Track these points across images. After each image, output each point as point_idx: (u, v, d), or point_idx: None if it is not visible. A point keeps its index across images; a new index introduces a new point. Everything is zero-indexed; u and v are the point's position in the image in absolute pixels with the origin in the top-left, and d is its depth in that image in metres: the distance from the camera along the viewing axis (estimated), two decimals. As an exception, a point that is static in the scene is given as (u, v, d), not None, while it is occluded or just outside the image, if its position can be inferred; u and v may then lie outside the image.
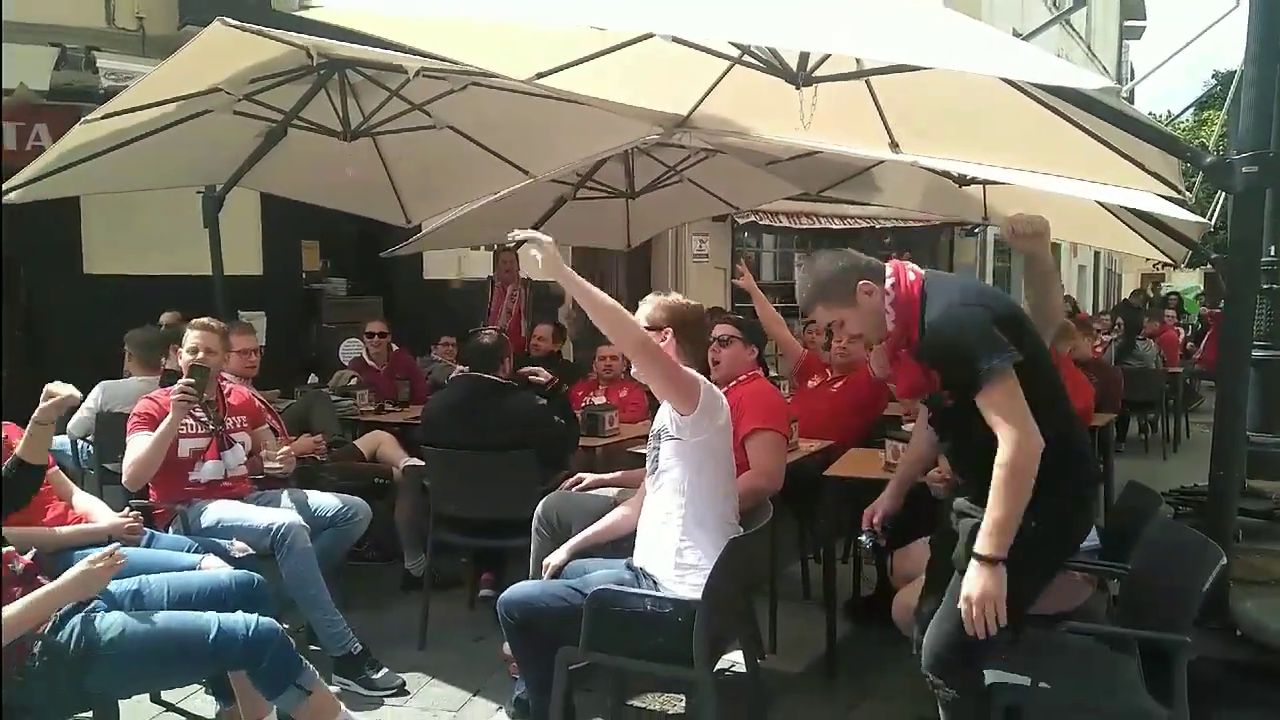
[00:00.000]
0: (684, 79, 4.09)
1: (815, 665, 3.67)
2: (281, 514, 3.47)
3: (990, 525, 2.12)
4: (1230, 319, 3.13)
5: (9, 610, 2.29)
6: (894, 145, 4.46)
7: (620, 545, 2.93)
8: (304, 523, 3.45)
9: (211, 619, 2.49)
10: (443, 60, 3.72)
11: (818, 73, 3.45)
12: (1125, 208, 4.85)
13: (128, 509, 3.13)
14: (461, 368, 7.03)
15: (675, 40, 3.49)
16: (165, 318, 5.15)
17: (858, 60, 3.64)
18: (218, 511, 3.49)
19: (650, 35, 3.55)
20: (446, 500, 3.92)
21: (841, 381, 4.85)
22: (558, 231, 7.13)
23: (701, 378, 2.67)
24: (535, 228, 6.82)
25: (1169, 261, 6.44)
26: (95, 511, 3.08)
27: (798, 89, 3.45)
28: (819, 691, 3.51)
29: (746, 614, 3.15)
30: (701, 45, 3.52)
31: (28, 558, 2.49)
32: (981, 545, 2.13)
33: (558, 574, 2.89)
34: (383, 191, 5.86)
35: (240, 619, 2.52)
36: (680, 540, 2.63)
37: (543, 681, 2.67)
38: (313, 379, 6.43)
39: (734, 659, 3.14)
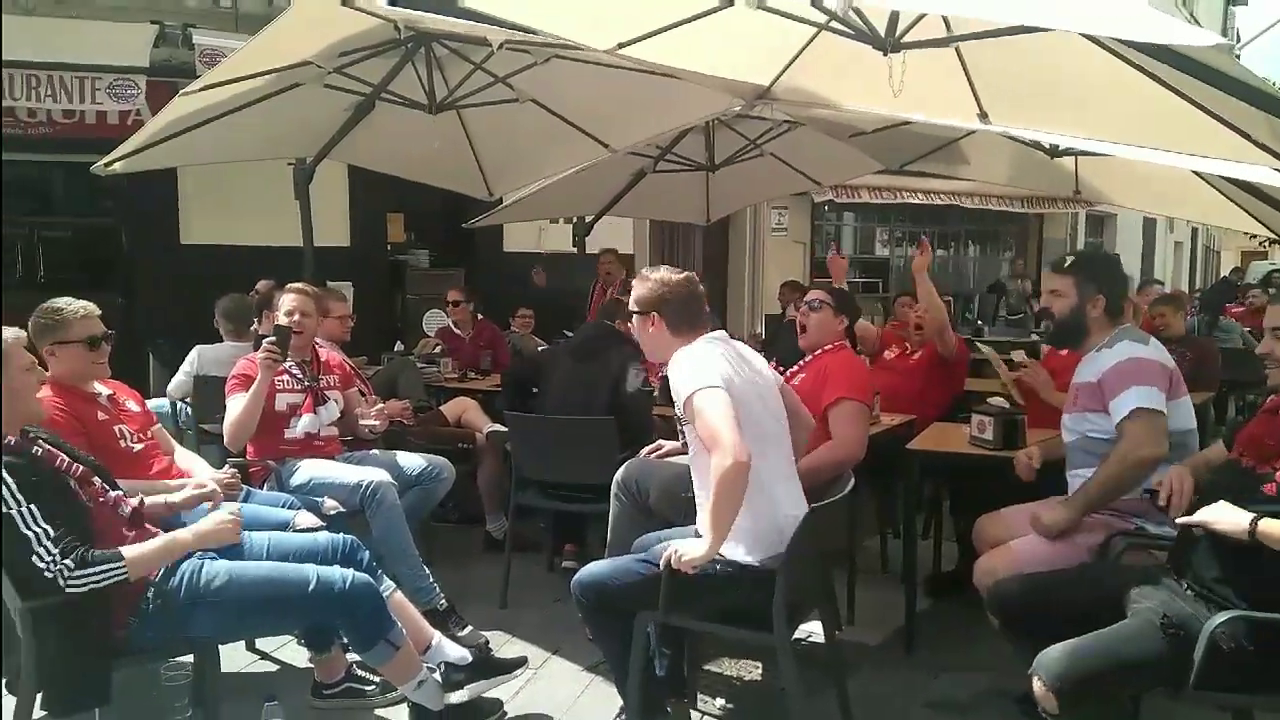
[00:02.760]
0: (767, 49, 4.05)
1: (893, 638, 3.65)
2: (371, 472, 3.58)
3: None
4: None
5: (136, 551, 2.43)
6: (983, 115, 4.35)
7: None
8: (392, 480, 3.56)
9: (310, 571, 2.60)
10: (526, 30, 3.74)
11: (907, 38, 3.37)
12: (1227, 179, 4.65)
13: (226, 466, 3.27)
14: (539, 341, 7.18)
15: (760, 8, 3.47)
16: (260, 285, 5.34)
17: (947, 25, 3.55)
18: (309, 470, 3.62)
19: (732, 3, 3.52)
20: (529, 463, 4.00)
21: (920, 352, 4.77)
22: (636, 205, 7.31)
23: (703, 379, 2.51)
24: (614, 201, 7.00)
25: (1275, 236, 6.15)
26: (196, 468, 3.22)
27: (885, 54, 3.38)
28: (897, 664, 3.49)
29: (825, 584, 3.13)
30: (786, 12, 3.47)
31: (135, 501, 2.62)
32: None
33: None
34: (466, 164, 5.95)
35: (337, 573, 2.63)
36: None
37: (621, 658, 2.70)
38: (399, 347, 6.61)
39: (811, 629, 3.14)
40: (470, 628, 3.55)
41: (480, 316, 6.44)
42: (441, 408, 5.18)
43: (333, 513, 3.29)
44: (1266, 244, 20.17)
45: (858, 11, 3.29)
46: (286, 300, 3.83)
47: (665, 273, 2.76)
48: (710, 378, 2.47)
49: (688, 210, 7.69)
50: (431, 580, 3.57)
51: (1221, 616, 2.08)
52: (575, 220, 7.57)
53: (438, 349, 6.00)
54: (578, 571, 2.77)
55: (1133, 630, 2.17)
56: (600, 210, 7.07)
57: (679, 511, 3.00)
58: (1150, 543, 2.67)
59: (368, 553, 2.90)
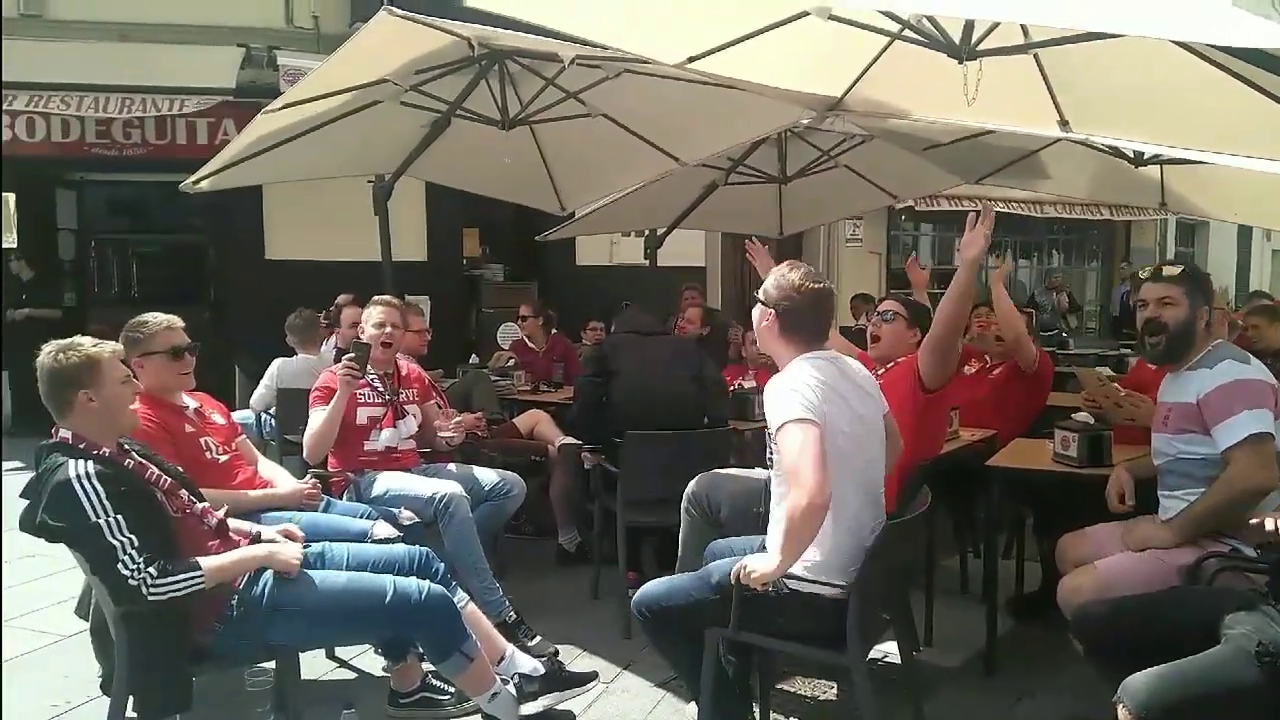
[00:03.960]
0: (838, 60, 4.01)
1: (973, 660, 3.55)
2: (445, 484, 3.64)
3: None
4: None
5: (213, 562, 2.52)
6: (1064, 123, 4.24)
7: None
8: (465, 493, 3.61)
9: (387, 581, 2.66)
10: (597, 45, 3.77)
11: (982, 46, 3.30)
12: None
13: (308, 476, 3.36)
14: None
15: (831, 18, 3.44)
16: (340, 299, 5.49)
17: (1024, 32, 3.47)
18: (386, 481, 3.69)
19: (805, 14, 3.50)
20: (639, 481, 3.91)
21: (1001, 367, 4.64)
22: (708, 218, 7.29)
23: (795, 410, 2.44)
24: (686, 213, 6.98)
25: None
26: (278, 478, 3.32)
27: (961, 63, 3.31)
28: (977, 687, 3.39)
29: (902, 604, 3.06)
30: (858, 22, 3.43)
31: (220, 513, 2.71)
32: None
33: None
34: (539, 179, 6.01)
35: (414, 584, 2.68)
36: None
37: (692, 669, 2.69)
38: (473, 360, 6.72)
39: (887, 649, 3.07)
40: (540, 637, 3.57)
41: (554, 330, 6.50)
42: (514, 420, 5.25)
43: (409, 523, 3.35)
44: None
45: (931, 20, 3.24)
46: (376, 312, 3.91)
47: (801, 278, 2.64)
48: (802, 409, 2.40)
49: (761, 223, 7.63)
50: (501, 593, 3.60)
51: None
52: (647, 233, 7.55)
53: (511, 362, 6.07)
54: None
55: (1225, 658, 2.07)
56: (672, 223, 7.06)
57: (751, 527, 2.98)
58: (1247, 566, 2.54)
59: (442, 565, 2.94)
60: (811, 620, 2.50)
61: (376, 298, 4.03)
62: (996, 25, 3.28)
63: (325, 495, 3.40)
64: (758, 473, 3.43)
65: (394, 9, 3.55)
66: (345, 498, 3.66)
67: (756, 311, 2.72)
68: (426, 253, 8.80)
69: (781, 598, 2.49)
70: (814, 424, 2.38)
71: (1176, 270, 2.90)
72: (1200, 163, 5.16)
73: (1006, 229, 14.47)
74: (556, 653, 3.55)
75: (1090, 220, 14.86)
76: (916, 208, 12.37)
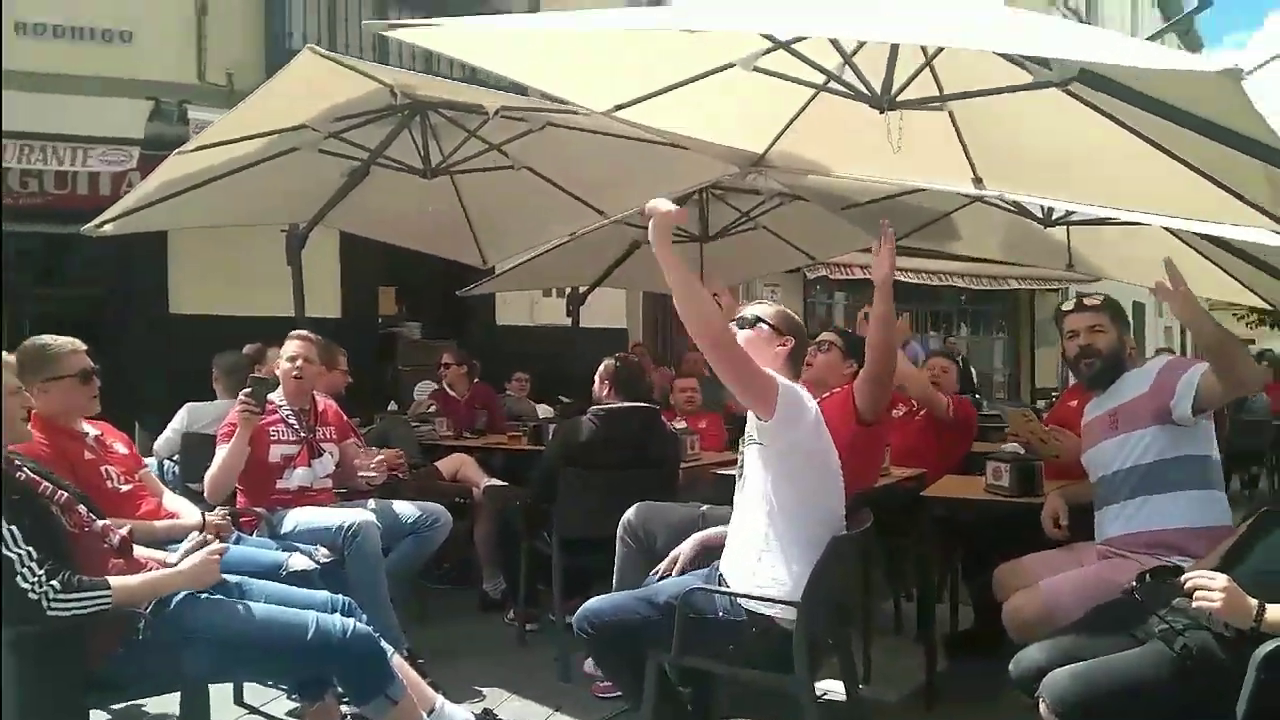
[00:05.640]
0: (763, 113, 4.08)
1: (913, 697, 3.53)
2: (355, 513, 3.52)
3: None
4: None
5: (123, 582, 2.34)
6: (978, 180, 4.37)
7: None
8: (377, 522, 3.49)
9: (310, 617, 2.51)
10: (524, 93, 3.77)
11: (902, 96, 3.38)
12: (1224, 247, 4.66)
13: (218, 509, 3.19)
14: (540, 405, 7.09)
15: (756, 70, 3.49)
16: (248, 348, 5.26)
17: (938, 85, 3.55)
18: (296, 516, 3.56)
19: (731, 65, 3.54)
20: (576, 520, 3.82)
21: (924, 411, 4.70)
22: (630, 277, 7.28)
23: (782, 380, 2.52)
24: (609, 271, 6.98)
25: (1270, 306, 6.15)
26: (184, 511, 3.14)
27: (883, 112, 3.39)
28: (917, 721, 3.34)
29: (844, 634, 3.00)
30: (783, 74, 3.49)
31: (124, 531, 2.53)
32: None
33: (685, 569, 2.83)
34: (460, 232, 5.95)
35: (338, 621, 2.54)
36: (762, 550, 2.52)
37: (635, 691, 2.62)
38: (392, 406, 6.53)
39: (829, 686, 3.03)
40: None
41: (476, 379, 6.40)
42: (437, 463, 5.11)
43: (326, 560, 3.18)
44: (1256, 323, 20.27)
45: (854, 67, 3.30)
46: (290, 346, 3.82)
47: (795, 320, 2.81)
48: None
49: (681, 283, 7.67)
50: (399, 632, 3.45)
51: (1269, 646, 1.96)
52: (569, 291, 7.53)
53: (431, 408, 5.92)
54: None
55: (1147, 657, 2.09)
56: (595, 281, 7.06)
57: (714, 549, 2.88)
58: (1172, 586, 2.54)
59: (365, 616, 2.78)
60: (759, 645, 2.44)
61: (293, 332, 3.91)
62: (915, 76, 3.36)
63: (236, 531, 3.24)
64: (695, 505, 3.39)
65: (317, 48, 3.49)
66: (256, 535, 3.48)
67: (760, 333, 2.68)
68: (341, 309, 8.59)
69: (730, 622, 2.43)
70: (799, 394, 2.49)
71: (1099, 300, 3.02)
72: (1104, 222, 5.40)
73: (916, 299, 14.87)
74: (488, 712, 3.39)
75: (996, 291, 15.42)
76: (830, 276, 12.65)
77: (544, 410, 5.94)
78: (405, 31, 2.97)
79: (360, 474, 3.86)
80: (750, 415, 2.56)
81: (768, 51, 3.36)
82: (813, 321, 13.67)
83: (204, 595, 2.50)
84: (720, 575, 2.62)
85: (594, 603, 2.67)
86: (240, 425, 3.49)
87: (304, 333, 3.93)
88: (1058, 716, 2.01)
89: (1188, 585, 2.04)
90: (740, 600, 2.47)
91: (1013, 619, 2.69)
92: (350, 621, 2.56)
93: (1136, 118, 3.41)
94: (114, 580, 2.32)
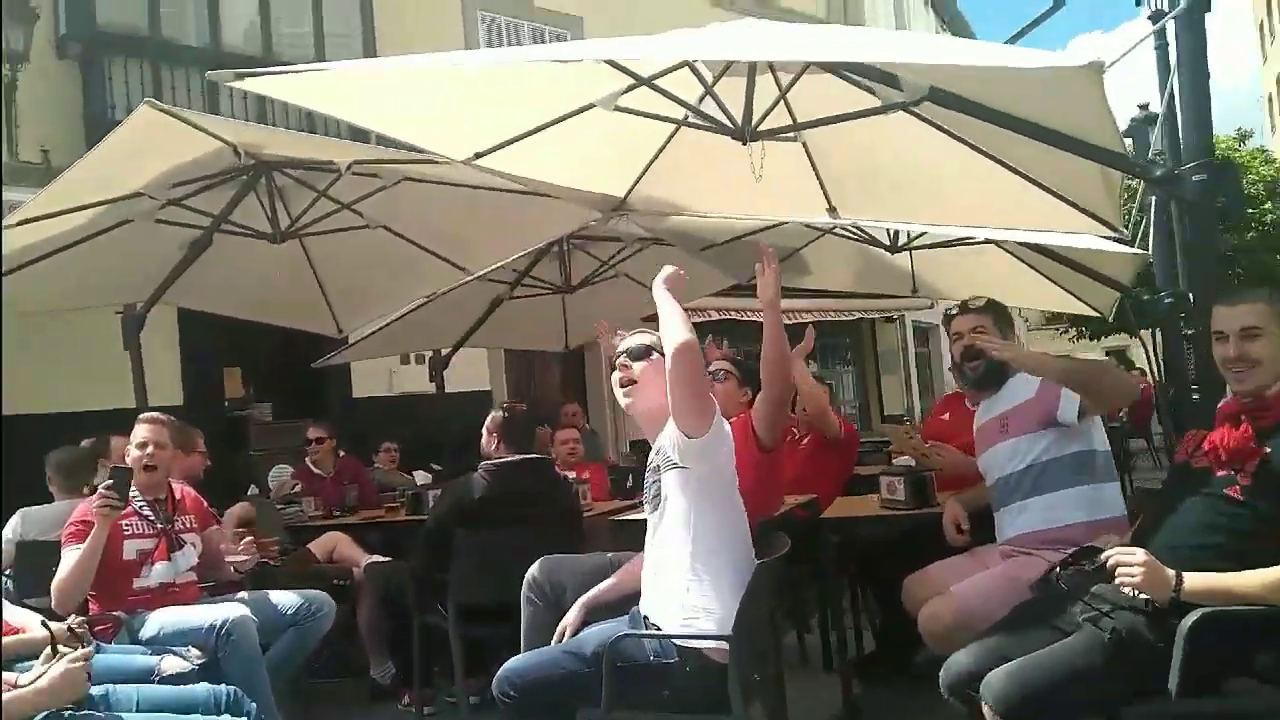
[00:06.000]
0: (627, 153, 4.09)
1: None
2: (226, 608, 3.19)
3: None
4: (1202, 357, 2.96)
5: None
6: (832, 210, 4.52)
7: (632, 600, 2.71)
8: (252, 615, 3.17)
9: None
10: (379, 143, 3.65)
11: (762, 127, 3.46)
12: (1055, 257, 4.96)
13: (71, 619, 2.82)
14: (418, 473, 6.80)
15: (618, 109, 3.50)
16: (86, 442, 4.81)
17: (791, 115, 3.65)
18: (159, 619, 3.20)
19: (591, 106, 3.55)
20: (474, 586, 3.60)
21: (809, 436, 4.76)
22: (492, 334, 7.14)
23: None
24: (473, 330, 6.81)
25: (1096, 312, 6.61)
26: (28, 624, 2.77)
27: (745, 144, 3.45)
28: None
29: (765, 675, 2.91)
30: (644, 112, 3.52)
31: None
32: None
33: (575, 634, 2.66)
34: (312, 300, 5.69)
35: None
36: (689, 579, 2.43)
37: None
38: (253, 490, 6.11)
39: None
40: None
41: (341, 453, 6.08)
42: (310, 545, 4.75)
43: (199, 663, 2.86)
44: (1075, 337, 21.83)
45: (715, 96, 3.35)
46: (139, 431, 3.50)
47: None
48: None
49: (545, 337, 7.61)
50: None
51: (1192, 617, 2.02)
52: (430, 355, 7.31)
53: (296, 488, 5.56)
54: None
55: (1079, 645, 2.13)
56: (458, 341, 6.88)
57: (601, 611, 2.75)
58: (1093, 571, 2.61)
59: (254, 705, 2.51)
60: (693, 685, 2.33)
61: (142, 415, 3.59)
62: (774, 107, 3.44)
63: (93, 640, 2.86)
64: (602, 555, 3.26)
65: (156, 102, 3.26)
66: (115, 643, 3.10)
67: (653, 362, 2.63)
68: (183, 395, 8.06)
69: (661, 666, 2.32)
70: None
71: (982, 302, 3.12)
72: (946, 245, 5.68)
73: (760, 332, 15.23)
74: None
75: (840, 324, 16.01)
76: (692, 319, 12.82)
77: (422, 477, 5.67)
78: (254, 82, 2.81)
79: (229, 559, 3.55)
80: (669, 439, 2.48)
81: (629, 89, 3.38)
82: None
83: (68, 713, 2.20)
84: (645, 618, 2.51)
85: (514, 663, 2.51)
86: (99, 522, 3.15)
87: (155, 414, 3.63)
88: (1002, 716, 2.01)
89: (1109, 563, 2.09)
90: (670, 640, 2.37)
91: (931, 627, 2.70)
92: None
93: (980, 134, 3.61)
94: None
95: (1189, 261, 3.06)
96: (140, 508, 3.38)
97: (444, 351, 7.12)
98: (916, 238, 5.65)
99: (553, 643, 2.69)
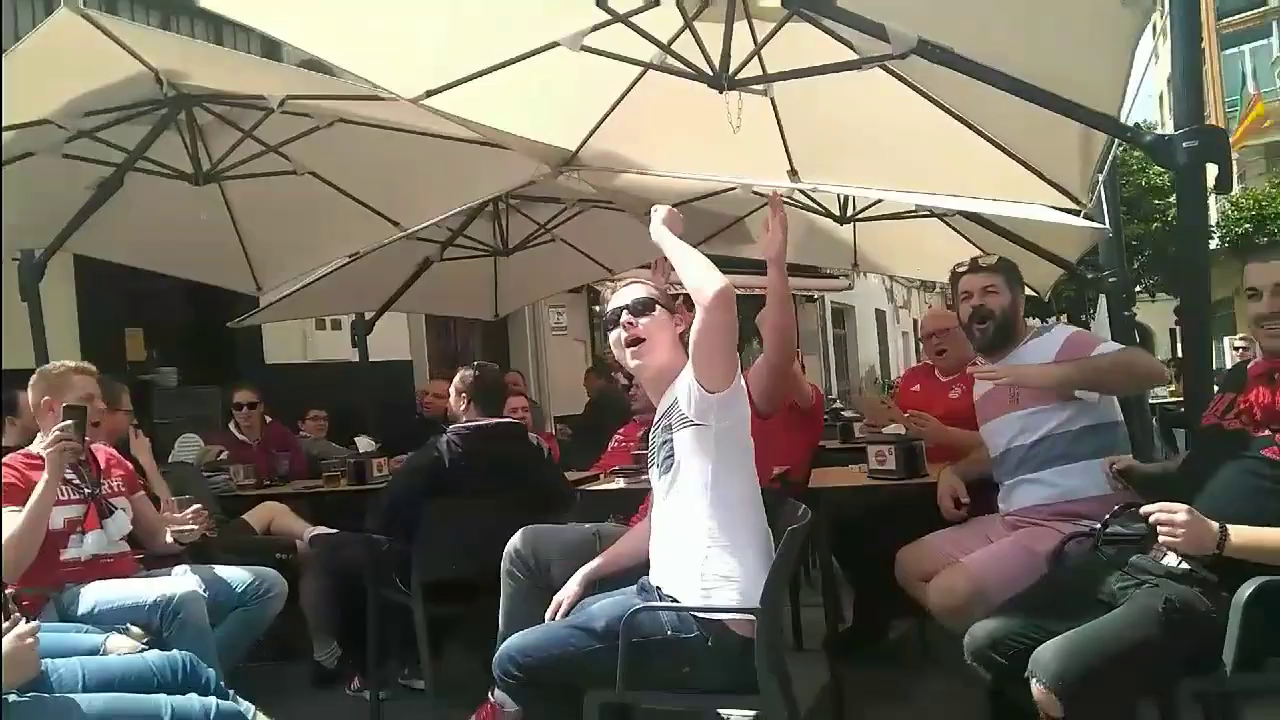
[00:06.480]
0: (583, 100, 3.88)
1: (819, 706, 3.28)
2: (173, 582, 2.88)
3: None
4: (1188, 336, 2.86)
5: None
6: (793, 173, 4.40)
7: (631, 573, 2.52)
8: (200, 590, 2.86)
9: (161, 701, 1.98)
10: (321, 69, 3.34)
11: (740, 75, 3.28)
12: (998, 232, 4.93)
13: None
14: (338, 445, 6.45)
15: (584, 49, 3.29)
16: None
17: (762, 65, 3.46)
18: (94, 593, 2.86)
19: (554, 45, 3.33)
20: (442, 560, 3.32)
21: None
22: (417, 299, 6.80)
23: None
24: (400, 293, 6.49)
25: (1034, 292, 6.66)
26: None
27: (722, 92, 3.27)
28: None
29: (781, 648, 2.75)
30: (613, 53, 3.31)
31: None
32: None
33: (570, 611, 2.46)
34: (230, 253, 5.28)
35: (197, 702, 2.03)
36: (708, 546, 2.25)
37: None
38: (175, 455, 5.67)
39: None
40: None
41: (267, 419, 5.71)
42: (245, 515, 4.40)
43: (143, 643, 2.55)
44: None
45: (694, 32, 3.15)
46: (80, 382, 3.16)
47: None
48: None
49: (474, 303, 7.33)
50: None
51: (1249, 587, 1.94)
52: (354, 320, 6.93)
53: (223, 455, 5.18)
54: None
55: (1131, 618, 2.03)
56: (384, 305, 6.52)
57: (589, 586, 2.56)
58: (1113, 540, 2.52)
59: (212, 672, 2.24)
60: (716, 661, 2.16)
61: (76, 364, 3.23)
62: (754, 55, 3.27)
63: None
64: (583, 526, 3.05)
65: (79, 6, 2.84)
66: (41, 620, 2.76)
67: (658, 315, 2.46)
68: (80, 358, 7.48)
69: (679, 641, 2.14)
70: None
71: (993, 259, 3.01)
72: (894, 217, 5.61)
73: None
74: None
75: (762, 300, 16.07)
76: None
77: (365, 444, 5.31)
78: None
79: (174, 529, 3.16)
80: (683, 396, 2.30)
81: (602, 25, 3.16)
82: (600, 340, 13.58)
83: (12, 697, 1.92)
84: (656, 588, 2.32)
85: (516, 641, 2.29)
86: (51, 468, 2.82)
87: (86, 365, 3.27)
88: (1056, 693, 1.89)
89: (1151, 519, 2.00)
90: (688, 612, 2.20)
91: (944, 600, 2.59)
92: (212, 700, 2.07)
93: (954, 94, 3.52)
94: None
95: (1179, 228, 3.01)
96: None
97: (367, 315, 6.76)
98: (866, 208, 5.57)
99: (547, 618, 2.48)
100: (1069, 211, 3.79)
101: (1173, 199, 15.68)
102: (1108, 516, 2.27)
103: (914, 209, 5.33)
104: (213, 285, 5.88)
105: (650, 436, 2.50)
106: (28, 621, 2.19)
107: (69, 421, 2.90)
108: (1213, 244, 17.44)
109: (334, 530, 3.97)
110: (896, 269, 6.68)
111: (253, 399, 5.65)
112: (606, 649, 2.15)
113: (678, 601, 2.23)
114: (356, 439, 5.11)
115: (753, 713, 2.59)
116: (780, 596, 2.28)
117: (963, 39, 2.86)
